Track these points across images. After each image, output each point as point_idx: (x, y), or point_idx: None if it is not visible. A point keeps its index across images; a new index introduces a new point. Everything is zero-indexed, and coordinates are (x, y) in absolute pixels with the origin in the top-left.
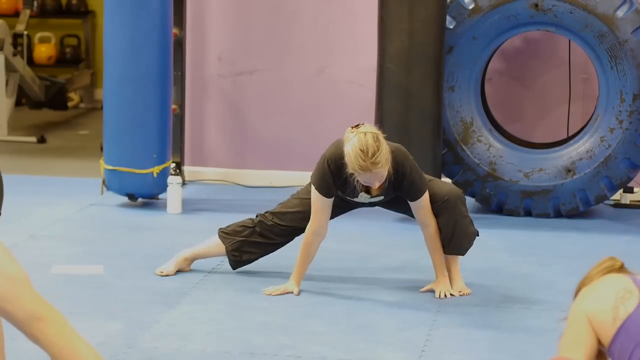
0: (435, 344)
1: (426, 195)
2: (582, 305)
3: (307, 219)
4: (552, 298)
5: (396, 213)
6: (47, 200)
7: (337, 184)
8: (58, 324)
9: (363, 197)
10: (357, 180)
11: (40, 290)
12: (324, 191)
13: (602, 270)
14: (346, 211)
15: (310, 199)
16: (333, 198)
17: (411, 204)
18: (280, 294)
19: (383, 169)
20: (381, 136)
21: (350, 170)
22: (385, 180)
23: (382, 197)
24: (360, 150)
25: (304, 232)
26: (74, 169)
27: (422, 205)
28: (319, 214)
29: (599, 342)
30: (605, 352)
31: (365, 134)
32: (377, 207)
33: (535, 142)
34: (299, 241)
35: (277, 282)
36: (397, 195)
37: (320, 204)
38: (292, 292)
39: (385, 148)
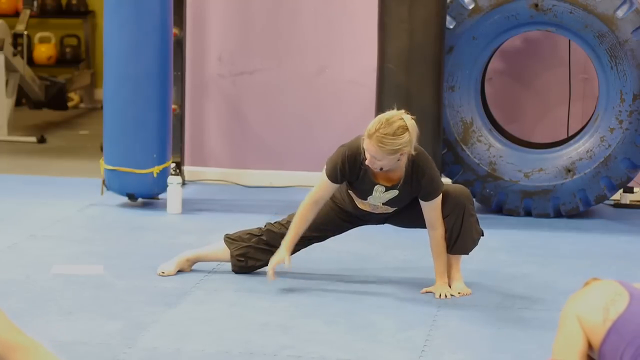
0: (435, 344)
1: (440, 198)
2: (572, 307)
3: (315, 229)
4: (552, 298)
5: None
6: (47, 200)
7: (350, 174)
8: (35, 352)
9: (378, 193)
10: (371, 171)
11: (40, 290)
12: (332, 175)
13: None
14: (355, 226)
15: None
16: (338, 186)
17: (424, 204)
18: (274, 268)
19: (385, 154)
20: (412, 132)
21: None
22: (403, 174)
23: (397, 192)
24: (385, 119)
25: (311, 242)
26: (74, 169)
27: (435, 206)
28: (321, 190)
29: (589, 346)
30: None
31: (402, 117)
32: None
33: (535, 142)
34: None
35: (277, 282)
36: (409, 204)
37: (324, 184)
38: (284, 263)
39: (401, 142)
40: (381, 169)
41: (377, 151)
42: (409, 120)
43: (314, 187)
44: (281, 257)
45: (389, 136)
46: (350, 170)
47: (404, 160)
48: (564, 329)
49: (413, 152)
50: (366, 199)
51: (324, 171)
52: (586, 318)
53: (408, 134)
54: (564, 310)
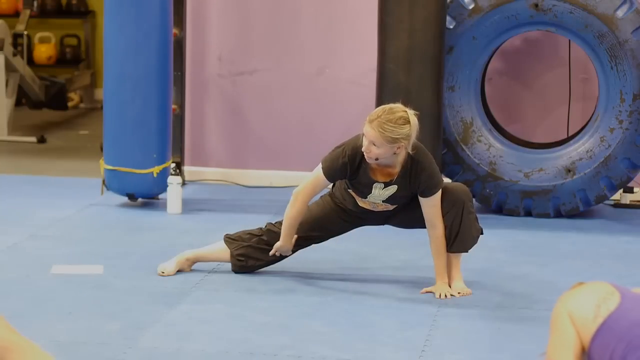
0: (435, 344)
1: (439, 194)
2: (563, 305)
3: (316, 229)
4: (552, 298)
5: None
6: (47, 200)
7: (348, 173)
8: (31, 352)
9: (377, 190)
10: (369, 169)
11: (40, 290)
12: (331, 174)
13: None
14: (356, 226)
15: (317, 208)
16: (329, 185)
17: (424, 200)
18: (275, 253)
19: (384, 141)
20: (413, 127)
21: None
22: (401, 169)
23: (396, 187)
24: (389, 108)
25: (311, 242)
26: (74, 169)
27: (434, 203)
28: (314, 189)
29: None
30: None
31: (406, 111)
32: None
33: (535, 142)
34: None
35: (277, 282)
36: (409, 204)
37: (318, 182)
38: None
39: (401, 132)
40: (377, 159)
41: (377, 137)
42: (411, 115)
43: (303, 185)
44: (286, 245)
45: (391, 123)
46: (350, 169)
47: (401, 156)
48: (557, 330)
49: (410, 151)
50: (366, 198)
51: (320, 170)
52: (577, 314)
53: (409, 127)
54: (555, 310)
